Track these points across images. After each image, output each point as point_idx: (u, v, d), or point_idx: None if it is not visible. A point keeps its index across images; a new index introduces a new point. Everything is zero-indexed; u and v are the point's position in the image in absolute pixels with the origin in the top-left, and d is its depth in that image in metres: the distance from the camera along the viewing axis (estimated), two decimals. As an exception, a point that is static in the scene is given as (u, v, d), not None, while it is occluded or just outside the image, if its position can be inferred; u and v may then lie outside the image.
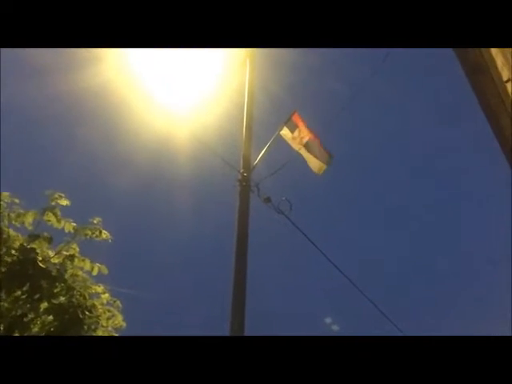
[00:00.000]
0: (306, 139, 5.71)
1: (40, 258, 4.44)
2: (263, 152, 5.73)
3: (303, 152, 5.74)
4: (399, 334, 6.71)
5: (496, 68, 3.90)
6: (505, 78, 3.88)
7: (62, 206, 4.81)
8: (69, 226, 4.78)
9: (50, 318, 4.59)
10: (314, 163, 5.73)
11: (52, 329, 4.58)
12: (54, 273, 4.53)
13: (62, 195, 4.84)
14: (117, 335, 4.98)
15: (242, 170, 5.50)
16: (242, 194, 5.38)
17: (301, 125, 5.77)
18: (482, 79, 3.67)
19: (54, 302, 4.59)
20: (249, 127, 5.90)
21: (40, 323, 4.61)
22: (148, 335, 2.40)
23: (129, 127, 7.98)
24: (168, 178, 10.00)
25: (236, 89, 6.51)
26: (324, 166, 5.73)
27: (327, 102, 9.80)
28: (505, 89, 3.93)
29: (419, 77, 10.47)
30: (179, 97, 6.48)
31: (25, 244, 4.47)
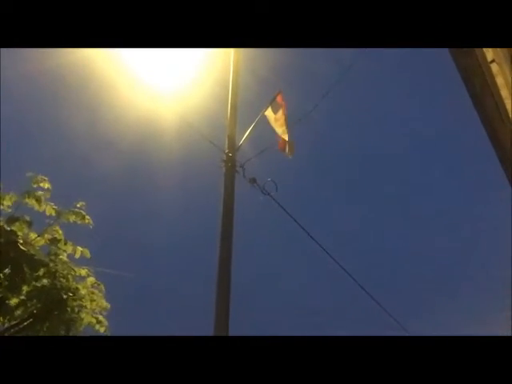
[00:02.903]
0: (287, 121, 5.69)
1: (21, 241, 4.37)
2: (248, 132, 5.68)
3: (285, 133, 5.70)
4: (387, 322, 6.80)
5: (481, 48, 3.89)
6: (489, 59, 3.86)
7: (43, 188, 4.72)
8: (50, 209, 4.70)
9: (33, 300, 4.55)
10: (290, 145, 5.71)
11: (35, 311, 4.55)
12: (36, 256, 4.47)
13: (45, 178, 4.74)
14: (103, 333, 4.96)
15: (227, 151, 5.45)
16: (227, 174, 5.35)
17: (283, 105, 5.73)
18: (467, 59, 3.65)
19: (37, 284, 4.55)
20: (234, 107, 5.83)
21: (23, 306, 4.58)
22: (133, 335, 2.40)
23: (113, 108, 7.82)
24: (153, 158, 9.90)
25: (221, 69, 6.41)
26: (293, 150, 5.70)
27: (314, 82, 9.73)
28: (489, 69, 3.92)
29: (407, 57, 10.42)
30: (164, 77, 6.36)
31: (5, 226, 4.39)
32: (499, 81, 3.84)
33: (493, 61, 3.83)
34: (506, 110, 3.88)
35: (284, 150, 5.69)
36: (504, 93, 3.96)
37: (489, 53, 3.84)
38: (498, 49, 3.89)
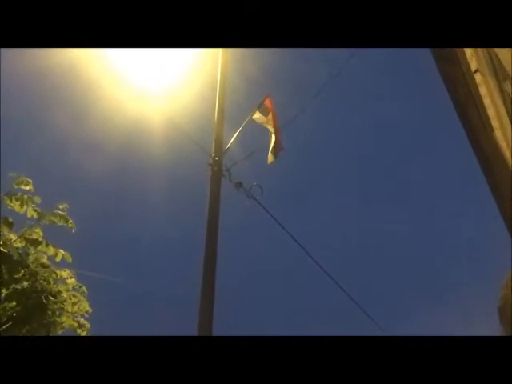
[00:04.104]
0: (272, 126, 5.71)
1: (1, 242, 4.29)
2: (235, 136, 5.67)
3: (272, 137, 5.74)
4: (372, 325, 6.82)
5: (465, 58, 3.94)
6: (473, 69, 3.91)
7: (26, 190, 4.63)
8: (31, 211, 4.61)
9: (13, 303, 4.47)
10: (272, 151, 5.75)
11: (14, 314, 4.46)
12: (15, 257, 4.39)
13: (29, 180, 4.65)
14: (84, 334, 4.89)
15: (213, 154, 5.43)
16: (214, 178, 5.33)
17: (271, 109, 5.75)
18: (451, 68, 3.69)
19: (17, 287, 4.47)
20: (221, 110, 5.81)
21: (1, 309, 4.49)
22: (116, 335, 2.37)
23: (100, 109, 7.75)
24: (140, 160, 9.83)
25: (210, 70, 6.39)
26: (273, 159, 5.72)
27: (303, 83, 9.76)
28: (473, 79, 3.97)
29: (397, 59, 10.49)
30: (152, 78, 6.32)
31: (-17, 228, 4.31)
32: (482, 90, 3.88)
33: (476, 71, 3.88)
34: (488, 119, 3.93)
35: (274, 153, 5.72)
36: (487, 102, 4.01)
37: (472, 63, 3.89)
38: (482, 59, 3.94)
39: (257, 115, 5.88)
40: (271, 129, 5.78)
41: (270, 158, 5.72)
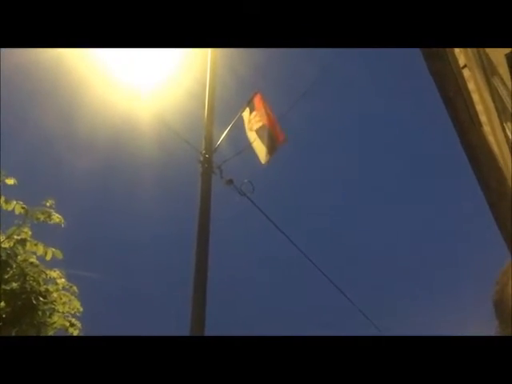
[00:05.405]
0: (259, 124, 5.59)
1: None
2: (225, 133, 5.65)
3: (253, 137, 5.62)
4: (369, 325, 6.86)
5: (453, 53, 3.97)
6: (462, 64, 3.95)
7: (10, 185, 4.54)
8: (19, 207, 4.53)
9: (2, 304, 4.41)
10: (261, 151, 5.49)
11: (4, 315, 4.41)
12: (3, 258, 4.33)
13: (4, 173, 4.54)
14: (76, 334, 4.84)
15: (203, 151, 5.41)
16: (204, 175, 5.32)
17: (258, 107, 5.68)
18: (440, 63, 3.72)
19: (6, 288, 4.41)
20: (211, 108, 5.79)
21: (-10, 310, 4.43)
22: (107, 335, 2.35)
23: (89, 107, 7.66)
24: (130, 158, 9.77)
25: (199, 67, 6.36)
26: (269, 157, 5.43)
27: (294, 82, 9.77)
28: (461, 74, 4.01)
29: (388, 58, 10.52)
30: (141, 75, 6.28)
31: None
32: (471, 86, 3.92)
33: (465, 66, 3.91)
34: (477, 114, 3.97)
35: (271, 150, 5.49)
36: (475, 97, 4.06)
37: (461, 58, 3.92)
38: (470, 54, 3.97)
39: (246, 113, 5.85)
40: (250, 131, 5.69)
41: (265, 157, 5.46)
